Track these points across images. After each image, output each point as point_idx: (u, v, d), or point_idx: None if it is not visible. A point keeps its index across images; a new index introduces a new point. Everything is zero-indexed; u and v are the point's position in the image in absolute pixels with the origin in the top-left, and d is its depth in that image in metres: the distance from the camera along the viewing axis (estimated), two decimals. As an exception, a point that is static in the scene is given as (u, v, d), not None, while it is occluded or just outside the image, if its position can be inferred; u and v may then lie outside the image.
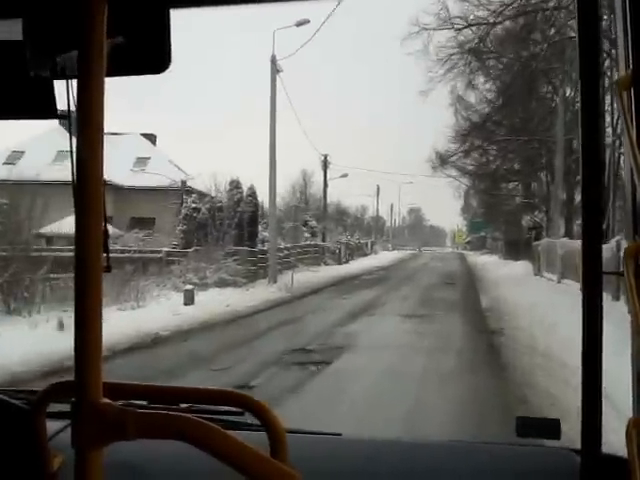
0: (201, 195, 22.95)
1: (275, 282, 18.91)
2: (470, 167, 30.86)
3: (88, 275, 0.71)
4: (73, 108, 0.80)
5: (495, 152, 28.68)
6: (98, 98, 0.72)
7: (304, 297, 16.78)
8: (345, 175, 39.51)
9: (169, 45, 0.89)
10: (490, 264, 32.78)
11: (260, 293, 17.07)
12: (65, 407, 0.79)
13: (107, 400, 0.72)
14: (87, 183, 0.72)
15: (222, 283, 17.89)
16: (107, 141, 0.73)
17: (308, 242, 30.80)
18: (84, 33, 0.71)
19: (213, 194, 23.46)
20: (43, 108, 1.00)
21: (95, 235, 0.71)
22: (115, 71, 0.82)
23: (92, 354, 0.71)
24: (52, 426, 1.09)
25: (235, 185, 23.70)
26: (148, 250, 19.73)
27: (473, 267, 34.32)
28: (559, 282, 16.97)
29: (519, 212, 29.88)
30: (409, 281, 22.65)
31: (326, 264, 31.00)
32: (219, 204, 22.53)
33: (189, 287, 15.03)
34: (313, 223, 35.69)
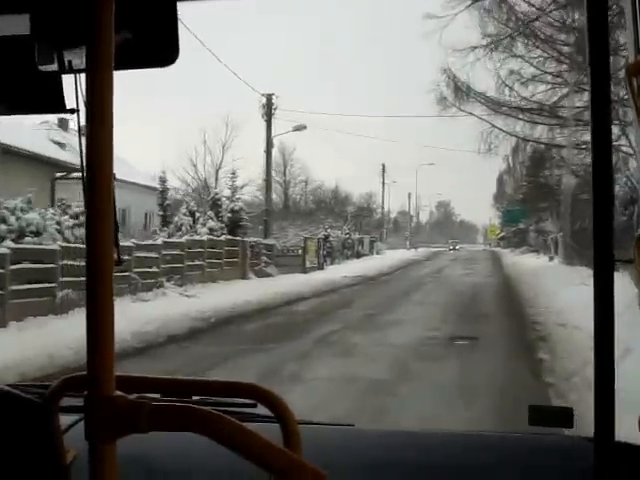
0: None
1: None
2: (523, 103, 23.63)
3: (99, 268, 0.79)
4: (82, 102, 0.89)
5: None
6: (107, 92, 0.79)
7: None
8: (301, 127, 26.10)
9: (177, 38, 0.97)
10: (546, 274, 23.23)
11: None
12: (78, 401, 0.88)
13: (120, 393, 0.80)
14: (97, 177, 0.79)
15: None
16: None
17: (216, 237, 24.36)
18: (92, 27, 0.79)
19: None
20: (51, 103, 1.08)
21: (106, 229, 0.79)
22: (123, 64, 0.90)
23: (105, 347, 0.79)
24: (65, 420, 1.22)
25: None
26: None
27: (515, 279, 25.96)
28: None
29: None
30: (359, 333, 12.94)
31: (261, 274, 25.92)
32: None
33: None
34: (236, 207, 28.39)
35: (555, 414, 1.74)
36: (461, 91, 23.12)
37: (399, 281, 26.20)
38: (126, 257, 16.64)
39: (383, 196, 61.71)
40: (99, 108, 0.78)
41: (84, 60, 0.81)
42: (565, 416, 1.69)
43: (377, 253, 50.94)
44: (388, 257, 45.77)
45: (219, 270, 22.76)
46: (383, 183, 60.72)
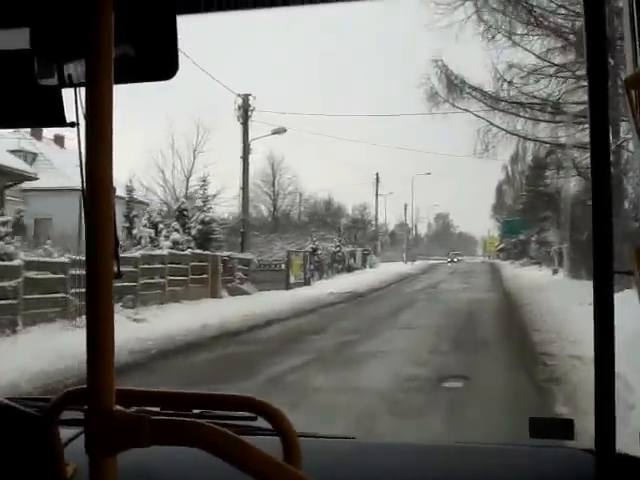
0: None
1: None
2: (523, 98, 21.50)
3: (99, 281, 0.81)
4: (82, 116, 0.92)
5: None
6: (107, 105, 0.81)
7: None
8: (281, 131, 24.07)
9: (176, 51, 0.99)
10: (551, 289, 21.33)
11: None
12: (79, 414, 0.91)
13: (120, 407, 0.82)
14: (97, 190, 0.81)
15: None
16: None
17: (179, 252, 21.93)
18: (92, 41, 0.81)
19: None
20: (51, 116, 1.10)
21: (106, 242, 0.81)
22: (123, 78, 0.92)
23: (104, 361, 0.80)
24: (65, 434, 1.21)
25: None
26: None
27: (517, 295, 23.48)
28: None
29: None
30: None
31: (237, 291, 23.55)
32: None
33: None
34: (207, 218, 26.16)
35: (556, 426, 1.77)
36: (454, 85, 20.79)
37: (389, 298, 24.57)
38: (61, 275, 15.63)
39: (377, 207, 59.55)
40: (99, 122, 0.81)
41: (84, 74, 0.83)
42: (566, 428, 1.72)
43: (371, 267, 49.17)
44: (382, 271, 44.24)
45: (184, 288, 21.15)
46: (377, 194, 58.19)
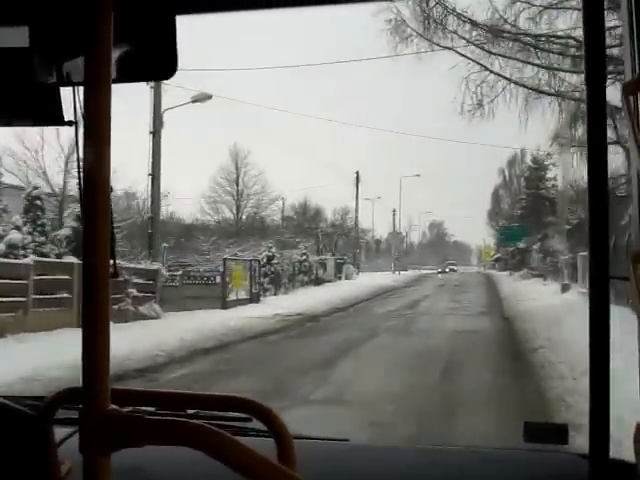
0: None
1: None
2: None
3: (96, 282, 0.83)
4: (80, 115, 0.95)
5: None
6: (105, 105, 0.84)
7: None
8: (203, 98, 16.86)
9: (175, 51, 1.02)
10: (574, 315, 12.67)
11: None
12: (73, 413, 0.96)
13: (115, 407, 0.85)
14: (94, 190, 0.83)
15: None
16: None
17: (12, 260, 15.17)
18: (91, 40, 0.84)
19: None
20: (49, 115, 1.13)
21: (103, 242, 0.84)
22: (122, 77, 0.96)
23: (100, 360, 0.83)
24: (60, 433, 1.25)
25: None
26: None
27: (524, 325, 16.11)
28: None
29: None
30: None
31: (131, 316, 17.30)
32: None
33: None
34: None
35: (551, 431, 1.82)
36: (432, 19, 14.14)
37: (346, 326, 19.45)
38: None
39: (357, 208, 55.83)
40: (97, 120, 0.83)
41: (82, 73, 0.86)
42: (560, 433, 1.78)
43: (347, 278, 45.88)
44: (358, 283, 40.97)
45: (21, 314, 15.39)
46: (357, 195, 54.45)
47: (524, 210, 43.58)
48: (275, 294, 29.32)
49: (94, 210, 0.82)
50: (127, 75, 1.00)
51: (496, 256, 62.33)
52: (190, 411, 1.13)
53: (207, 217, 46.88)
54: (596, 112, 1.44)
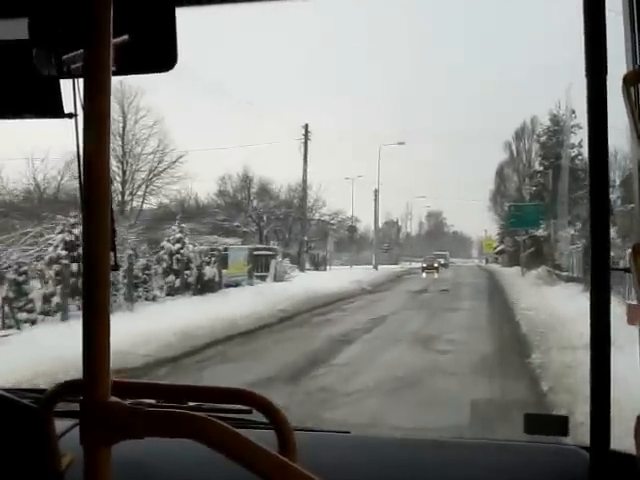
0: None
1: None
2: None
3: (96, 273, 0.86)
4: (79, 107, 0.98)
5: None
6: (105, 97, 0.86)
7: None
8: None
9: (175, 43, 1.04)
10: None
11: None
12: (74, 406, 1.01)
13: (115, 398, 0.87)
14: (94, 182, 0.86)
15: None
16: None
17: None
18: (90, 32, 0.86)
19: None
20: (49, 107, 1.15)
21: (103, 234, 0.86)
22: (122, 70, 0.98)
23: (100, 352, 0.86)
24: (61, 425, 1.27)
25: None
26: None
27: None
28: None
29: None
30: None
31: None
32: None
33: None
34: None
35: (551, 423, 1.85)
36: None
37: None
38: None
39: (305, 180, 43.01)
40: (97, 113, 0.85)
41: (82, 65, 0.88)
42: (561, 424, 1.81)
43: (277, 279, 30.49)
44: (272, 293, 23.94)
45: None
46: (305, 157, 42.58)
47: (540, 187, 36.31)
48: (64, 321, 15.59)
49: (94, 202, 0.84)
50: (127, 67, 1.02)
51: (499, 248, 52.12)
52: (191, 403, 1.14)
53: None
54: (597, 103, 1.46)
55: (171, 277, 22.55)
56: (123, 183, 32.90)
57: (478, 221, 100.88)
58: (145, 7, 1.02)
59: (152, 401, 1.02)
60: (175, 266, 22.67)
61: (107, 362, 0.84)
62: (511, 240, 44.27)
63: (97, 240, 0.84)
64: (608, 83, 1.48)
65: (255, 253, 30.48)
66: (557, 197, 29.57)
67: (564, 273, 25.31)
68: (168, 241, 23.01)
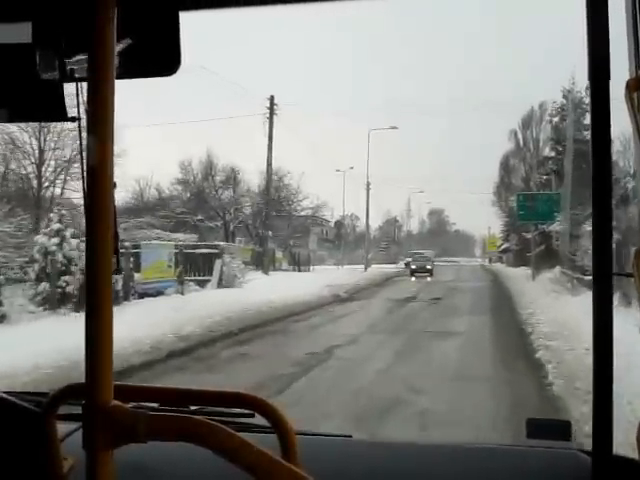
0: None
1: None
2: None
3: (99, 277, 0.87)
4: (83, 111, 0.96)
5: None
6: (108, 101, 0.87)
7: None
8: None
9: (178, 47, 1.04)
10: None
11: None
12: (76, 409, 0.97)
13: (118, 402, 0.88)
14: (98, 186, 0.87)
15: None
16: None
17: None
18: (94, 36, 0.87)
19: None
20: (53, 111, 1.16)
21: (106, 237, 0.87)
22: (125, 74, 0.99)
23: (103, 356, 0.86)
24: (63, 428, 1.28)
25: None
26: None
27: None
28: None
29: None
30: None
31: None
32: None
33: None
34: None
35: (553, 427, 1.86)
36: None
37: None
38: None
39: (270, 161, 38.41)
40: (100, 117, 0.86)
41: (86, 69, 0.88)
42: (563, 429, 1.83)
43: (223, 283, 25.10)
44: (220, 301, 19.60)
45: None
46: (270, 136, 37.63)
47: (552, 175, 32.37)
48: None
49: (98, 205, 0.85)
50: (130, 71, 1.02)
51: (503, 246, 48.38)
52: (193, 407, 1.16)
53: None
54: (600, 109, 1.46)
55: (43, 285, 16.96)
56: (39, 165, 27.22)
57: (481, 219, 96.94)
58: (148, 11, 1.03)
59: (154, 405, 1.03)
60: (49, 269, 17.01)
61: (109, 366, 0.85)
62: (517, 237, 40.05)
63: (100, 244, 0.85)
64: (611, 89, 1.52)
65: (189, 252, 24.47)
66: (575, 185, 24.95)
67: (587, 277, 19.16)
68: (44, 234, 17.46)
